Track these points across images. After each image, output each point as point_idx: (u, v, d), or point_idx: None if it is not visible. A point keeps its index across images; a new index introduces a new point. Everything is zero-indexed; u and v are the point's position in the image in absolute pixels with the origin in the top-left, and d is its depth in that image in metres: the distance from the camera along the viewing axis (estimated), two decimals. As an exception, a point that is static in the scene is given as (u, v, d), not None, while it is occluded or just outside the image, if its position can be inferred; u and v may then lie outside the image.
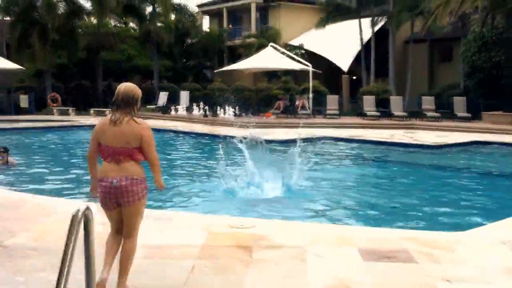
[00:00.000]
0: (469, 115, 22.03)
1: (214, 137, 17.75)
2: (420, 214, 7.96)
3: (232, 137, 10.61)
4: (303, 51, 31.26)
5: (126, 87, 4.01)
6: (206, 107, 25.31)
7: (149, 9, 32.79)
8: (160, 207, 7.58)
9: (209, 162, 12.81)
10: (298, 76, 29.15)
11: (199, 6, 41.45)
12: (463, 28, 25.73)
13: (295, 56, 26.41)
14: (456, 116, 22.24)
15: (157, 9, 32.52)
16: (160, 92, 28.73)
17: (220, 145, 10.18)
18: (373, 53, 28.11)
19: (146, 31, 31.57)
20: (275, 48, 26.13)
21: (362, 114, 23.57)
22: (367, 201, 8.91)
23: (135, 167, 3.94)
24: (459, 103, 22.78)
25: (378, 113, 23.26)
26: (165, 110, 26.72)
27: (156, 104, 27.94)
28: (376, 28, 29.40)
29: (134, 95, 3.98)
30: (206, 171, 11.72)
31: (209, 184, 9.98)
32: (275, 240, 5.62)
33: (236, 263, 4.87)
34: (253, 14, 36.99)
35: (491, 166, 12.83)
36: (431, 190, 9.90)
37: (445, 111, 22.77)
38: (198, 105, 25.87)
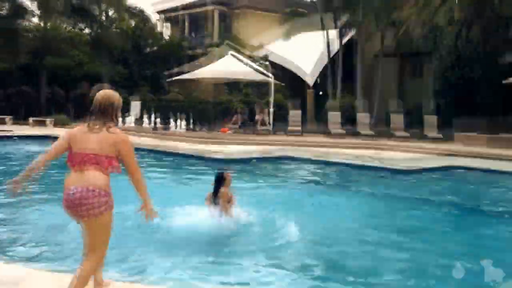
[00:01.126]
0: (440, 135, 20.32)
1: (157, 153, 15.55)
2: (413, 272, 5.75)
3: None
4: (267, 62, 29.30)
5: (103, 94, 3.82)
6: (157, 120, 23.08)
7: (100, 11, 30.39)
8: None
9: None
10: (262, 89, 27.15)
11: (159, 12, 39.20)
12: (435, 42, 24.09)
13: (256, 66, 24.16)
14: (426, 137, 20.49)
15: (110, 13, 30.28)
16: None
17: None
18: (341, 66, 26.32)
19: (97, 36, 29.20)
20: (235, 57, 24.04)
21: (326, 132, 21.75)
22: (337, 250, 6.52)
23: (98, 178, 3.61)
24: (431, 122, 21.12)
25: (343, 131, 21.46)
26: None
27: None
28: (345, 40, 27.75)
29: (113, 103, 3.79)
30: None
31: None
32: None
33: None
34: (216, 23, 35.14)
35: (470, 198, 10.89)
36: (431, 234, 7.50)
37: (415, 130, 21.09)
38: (149, 117, 23.50)
